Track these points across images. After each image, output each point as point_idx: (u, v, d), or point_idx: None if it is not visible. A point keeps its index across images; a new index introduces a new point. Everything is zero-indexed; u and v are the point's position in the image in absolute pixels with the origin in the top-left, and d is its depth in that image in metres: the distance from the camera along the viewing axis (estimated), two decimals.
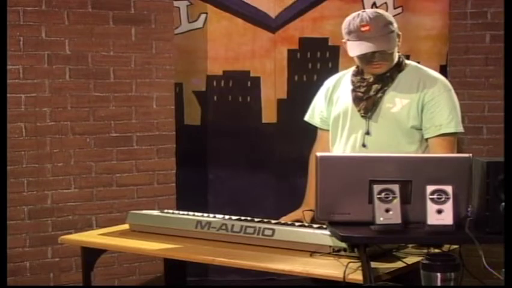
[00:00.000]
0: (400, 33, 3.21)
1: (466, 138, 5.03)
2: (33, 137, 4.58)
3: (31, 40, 4.53)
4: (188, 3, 5.32)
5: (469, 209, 2.57)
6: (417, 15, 5.35)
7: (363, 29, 3.12)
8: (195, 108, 5.43)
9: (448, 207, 2.47)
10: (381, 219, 2.49)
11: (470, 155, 2.64)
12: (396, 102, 3.19)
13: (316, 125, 3.48)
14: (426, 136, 3.18)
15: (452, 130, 3.16)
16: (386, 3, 5.34)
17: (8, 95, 4.23)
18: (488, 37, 5.04)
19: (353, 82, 3.28)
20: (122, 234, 3.48)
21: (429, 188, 2.48)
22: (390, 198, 2.51)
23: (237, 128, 5.46)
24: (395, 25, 3.19)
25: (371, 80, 3.21)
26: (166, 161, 4.97)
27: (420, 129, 3.19)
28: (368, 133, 3.22)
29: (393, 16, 5.33)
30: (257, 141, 5.47)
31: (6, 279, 3.19)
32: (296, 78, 5.43)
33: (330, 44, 5.39)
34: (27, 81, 4.55)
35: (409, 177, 2.56)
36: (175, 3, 5.12)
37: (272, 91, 5.44)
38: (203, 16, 5.34)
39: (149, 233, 3.40)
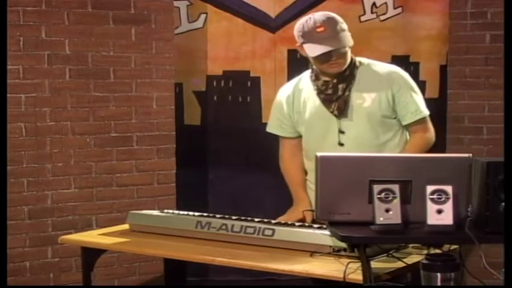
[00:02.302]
0: (350, 32, 3.33)
1: (466, 138, 5.03)
2: (33, 137, 4.58)
3: (31, 40, 4.53)
4: (188, 3, 5.32)
5: (469, 209, 2.57)
6: (417, 15, 5.35)
7: (318, 30, 3.26)
8: (195, 108, 5.43)
9: (448, 207, 2.47)
10: (381, 219, 2.49)
11: (470, 155, 2.64)
12: (365, 98, 3.33)
13: (281, 135, 3.60)
14: (405, 123, 3.37)
15: (425, 114, 3.37)
16: (386, 3, 5.35)
17: (8, 95, 4.23)
18: (488, 37, 5.04)
19: (316, 86, 3.39)
20: (122, 234, 3.48)
21: (429, 188, 2.49)
22: (390, 198, 2.51)
23: (237, 128, 5.46)
24: (346, 25, 3.32)
25: (335, 81, 3.33)
26: (166, 161, 4.97)
27: (393, 118, 3.35)
28: (342, 131, 3.34)
29: (393, 16, 5.34)
30: (257, 141, 5.45)
31: (6, 279, 3.19)
32: None
33: None
34: (27, 81, 4.55)
35: (409, 177, 2.57)
36: (175, 3, 5.12)
37: (272, 91, 5.41)
38: (203, 16, 5.34)
39: (149, 233, 3.40)
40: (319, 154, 2.64)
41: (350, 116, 3.33)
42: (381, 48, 5.35)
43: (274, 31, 5.39)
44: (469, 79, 5.08)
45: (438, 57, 5.31)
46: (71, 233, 4.25)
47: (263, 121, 5.45)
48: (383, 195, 2.51)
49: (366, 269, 2.55)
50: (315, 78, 3.41)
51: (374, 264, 2.65)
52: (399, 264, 2.74)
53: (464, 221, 2.53)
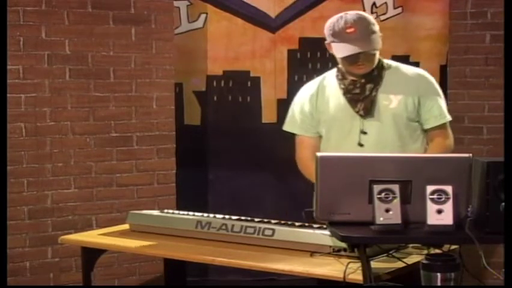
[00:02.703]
0: (381, 34, 3.29)
1: (466, 138, 5.03)
2: (33, 137, 4.58)
3: (31, 40, 4.53)
4: (188, 3, 5.32)
5: (469, 209, 2.57)
6: (417, 15, 5.35)
7: (348, 30, 3.20)
8: (195, 108, 5.43)
9: (448, 207, 2.47)
10: (381, 219, 2.49)
11: (470, 155, 2.64)
12: (391, 99, 3.30)
13: (301, 134, 3.51)
14: (427, 126, 3.34)
15: (448, 119, 3.36)
16: (386, 3, 5.35)
17: (8, 95, 4.23)
18: (488, 37, 5.03)
19: (343, 85, 3.33)
20: (122, 234, 3.48)
21: (429, 188, 2.48)
22: (390, 198, 2.51)
23: (237, 128, 5.46)
24: (377, 27, 3.27)
25: (363, 80, 3.29)
26: (166, 161, 4.97)
27: (416, 121, 3.33)
28: (364, 132, 3.30)
29: (393, 16, 5.33)
30: (257, 141, 5.46)
31: (6, 279, 3.19)
32: (296, 78, 5.43)
33: None
34: (27, 81, 4.55)
35: (409, 177, 2.56)
36: (175, 3, 5.12)
37: (272, 91, 5.43)
38: (203, 16, 5.34)
39: (149, 233, 3.41)
40: (319, 154, 2.64)
41: (375, 117, 3.29)
42: (381, 48, 5.34)
43: (274, 31, 5.39)
44: (469, 79, 5.08)
45: (438, 57, 5.31)
46: (71, 233, 4.25)
47: (263, 121, 5.46)
48: (383, 195, 2.51)
49: (366, 269, 2.55)
50: (342, 77, 3.35)
51: (374, 264, 2.65)
52: (399, 264, 2.74)
53: (464, 221, 2.53)
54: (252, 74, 5.42)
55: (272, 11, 5.38)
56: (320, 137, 3.46)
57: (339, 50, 3.23)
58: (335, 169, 2.61)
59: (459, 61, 5.12)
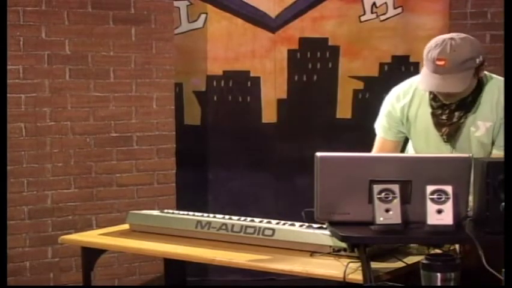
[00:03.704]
0: (483, 61, 3.01)
1: None
2: (33, 137, 4.58)
3: (31, 40, 4.53)
4: (188, 3, 5.32)
5: (469, 209, 2.57)
6: (417, 15, 5.34)
7: (438, 62, 2.93)
8: (195, 108, 5.43)
9: (448, 207, 2.47)
10: (381, 219, 2.49)
11: (470, 155, 2.64)
12: (479, 126, 3.06)
13: (386, 137, 3.26)
14: (493, 151, 3.09)
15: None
16: (386, 3, 5.34)
17: (8, 95, 4.22)
18: (488, 37, 5.03)
19: (431, 107, 3.11)
20: (122, 234, 3.48)
21: (429, 188, 2.48)
22: (390, 198, 2.51)
23: (237, 128, 5.46)
24: (478, 59, 2.98)
25: (453, 107, 3.05)
26: (166, 161, 4.97)
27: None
28: None
29: (393, 16, 5.29)
30: (257, 141, 5.46)
31: (6, 279, 3.19)
32: (296, 78, 5.43)
33: (330, 44, 5.39)
34: (27, 81, 4.55)
35: (409, 177, 2.56)
36: (175, 3, 5.12)
37: (272, 91, 5.43)
38: (203, 16, 5.34)
39: (149, 233, 3.40)
40: (319, 154, 2.64)
41: (458, 143, 3.08)
42: (381, 48, 5.35)
43: (274, 31, 5.38)
44: None
45: None
46: (71, 233, 4.25)
47: (263, 121, 5.46)
48: (383, 195, 2.51)
49: (366, 269, 2.55)
50: (433, 96, 3.09)
51: (374, 264, 2.65)
52: (399, 264, 2.74)
53: (464, 221, 2.53)
54: (252, 74, 5.42)
55: (272, 11, 5.38)
56: (402, 140, 3.27)
57: (423, 81, 3.01)
58: (334, 169, 2.61)
59: None
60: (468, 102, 3.04)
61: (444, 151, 3.10)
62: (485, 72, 3.10)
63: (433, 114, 3.11)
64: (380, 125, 3.28)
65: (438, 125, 3.09)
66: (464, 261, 2.53)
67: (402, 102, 3.20)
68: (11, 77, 4.45)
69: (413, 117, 3.18)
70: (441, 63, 2.92)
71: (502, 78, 3.08)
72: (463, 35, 3.04)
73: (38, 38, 4.55)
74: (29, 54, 4.54)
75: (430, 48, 3.00)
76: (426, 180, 2.50)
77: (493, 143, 3.07)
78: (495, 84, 3.08)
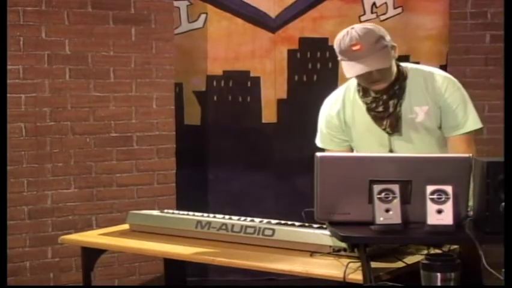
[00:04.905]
0: (395, 44, 3.11)
1: None
2: (33, 137, 4.58)
3: (31, 40, 4.54)
4: (188, 3, 5.32)
5: (469, 209, 2.57)
6: (417, 15, 5.34)
7: (354, 48, 2.97)
8: (195, 108, 5.43)
9: (448, 207, 2.47)
10: (381, 219, 2.49)
11: (470, 155, 2.64)
12: (416, 111, 3.11)
13: (333, 149, 3.28)
14: (446, 135, 3.14)
15: (468, 129, 3.12)
16: (386, 3, 5.34)
17: (8, 95, 4.23)
18: (488, 37, 5.03)
19: (365, 103, 3.15)
20: (122, 234, 3.48)
21: (429, 188, 2.48)
22: (390, 198, 2.51)
23: (237, 128, 5.46)
24: (388, 38, 3.07)
25: (385, 97, 3.10)
26: (166, 161, 4.97)
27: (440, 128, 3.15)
28: (391, 150, 3.13)
29: (393, 16, 5.30)
30: (257, 141, 5.47)
31: (6, 279, 3.19)
32: (296, 78, 5.43)
33: (330, 44, 5.37)
34: (27, 81, 4.55)
35: (409, 177, 2.56)
36: (175, 3, 5.13)
37: (272, 91, 5.43)
38: (203, 16, 5.34)
39: (149, 233, 3.41)
40: (319, 154, 2.63)
41: (403, 134, 3.11)
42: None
43: (274, 31, 5.39)
44: (469, 79, 5.07)
45: (438, 57, 5.30)
46: (71, 233, 4.25)
47: (263, 121, 5.46)
48: (383, 195, 2.51)
49: (366, 269, 2.55)
50: (363, 94, 3.14)
51: (374, 264, 2.65)
52: (399, 264, 2.74)
53: (464, 221, 2.53)
54: (252, 74, 5.42)
55: (272, 11, 5.38)
56: (350, 147, 3.28)
57: (348, 70, 3.01)
58: (334, 169, 2.61)
59: (459, 61, 5.11)
60: (396, 90, 3.10)
61: (387, 147, 3.14)
62: (406, 64, 3.21)
63: (369, 110, 3.14)
64: (322, 138, 3.30)
65: (377, 119, 3.14)
66: (464, 261, 2.52)
67: (335, 109, 3.25)
68: (11, 77, 4.45)
69: (351, 120, 3.22)
70: (357, 47, 2.98)
71: (421, 67, 3.23)
72: (360, 25, 3.12)
73: (38, 38, 4.55)
74: (29, 54, 4.54)
75: (339, 41, 3.05)
76: (426, 180, 2.50)
77: (439, 128, 3.11)
78: (417, 73, 3.15)
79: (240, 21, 5.37)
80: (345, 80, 3.19)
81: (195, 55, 5.36)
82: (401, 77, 3.12)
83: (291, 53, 5.40)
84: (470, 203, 2.59)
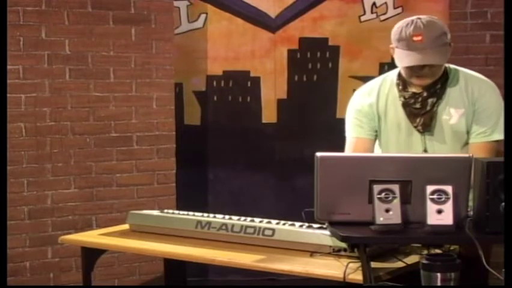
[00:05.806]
0: (452, 43, 3.07)
1: None
2: (33, 137, 4.58)
3: (31, 40, 4.53)
4: (188, 3, 5.32)
5: (469, 209, 2.57)
6: (417, 16, 5.33)
7: (415, 38, 2.94)
8: (195, 108, 5.43)
9: (448, 207, 2.47)
10: (381, 219, 2.49)
11: (471, 155, 2.64)
12: (452, 113, 3.08)
13: (359, 136, 3.21)
14: (471, 140, 3.10)
15: (495, 138, 3.09)
16: (386, 3, 5.35)
17: (8, 95, 4.23)
18: (488, 37, 5.03)
19: (403, 97, 3.11)
20: (122, 234, 3.48)
21: (429, 188, 2.48)
22: (390, 198, 2.51)
23: (237, 128, 5.46)
24: (449, 36, 3.04)
25: (425, 94, 3.07)
26: (166, 161, 4.97)
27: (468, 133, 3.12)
28: (425, 150, 3.10)
29: (393, 16, 5.31)
30: (257, 141, 5.47)
31: (6, 279, 3.19)
32: (296, 78, 5.43)
33: (330, 44, 5.39)
34: (27, 81, 4.55)
35: (409, 177, 2.56)
36: (175, 3, 5.13)
37: (272, 91, 5.44)
38: (203, 16, 5.34)
39: (149, 233, 3.40)
40: (319, 154, 2.63)
41: (433, 133, 3.09)
42: (381, 48, 5.34)
43: (274, 31, 5.39)
44: None
45: None
46: (71, 233, 4.24)
47: (263, 121, 5.46)
48: (383, 195, 2.51)
49: (366, 269, 2.55)
50: (403, 88, 3.11)
51: (374, 264, 2.65)
52: (399, 264, 2.74)
53: (464, 221, 2.53)
54: (252, 74, 5.42)
55: (272, 11, 5.38)
56: (375, 139, 3.22)
57: (402, 59, 2.98)
58: (334, 169, 2.61)
59: (459, 61, 5.06)
60: (438, 89, 3.07)
61: (415, 145, 3.11)
62: (449, 64, 3.15)
63: (405, 105, 3.11)
64: (352, 126, 3.23)
65: (412, 115, 3.10)
66: (464, 261, 2.52)
67: (368, 100, 3.20)
68: (11, 77, 4.45)
69: (383, 112, 3.18)
70: (418, 38, 2.95)
71: (463, 69, 3.19)
72: (426, 15, 3.08)
73: (38, 38, 4.55)
74: (29, 54, 4.54)
75: (401, 28, 3.01)
76: (426, 180, 2.50)
77: (467, 133, 3.09)
78: (459, 73, 3.14)
79: (240, 21, 5.38)
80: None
81: (195, 55, 5.36)
82: (444, 76, 3.10)
83: (291, 53, 5.40)
84: (470, 203, 2.59)
